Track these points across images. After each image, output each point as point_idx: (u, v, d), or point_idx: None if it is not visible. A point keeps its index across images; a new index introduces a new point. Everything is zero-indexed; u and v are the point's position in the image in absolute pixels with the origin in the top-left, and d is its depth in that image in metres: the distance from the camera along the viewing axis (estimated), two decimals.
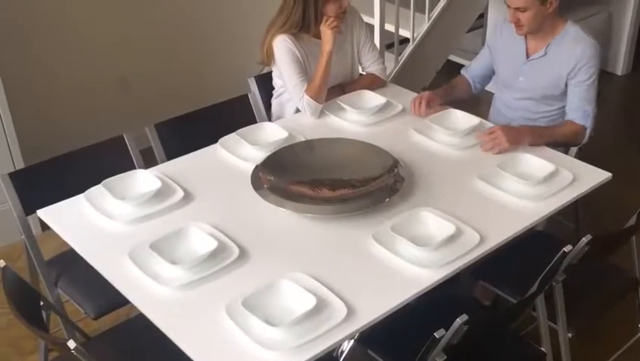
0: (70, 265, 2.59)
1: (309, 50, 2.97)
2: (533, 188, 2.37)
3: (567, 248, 2.07)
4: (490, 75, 3.11)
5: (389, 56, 4.27)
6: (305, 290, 1.93)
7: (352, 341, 2.15)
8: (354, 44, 3.13)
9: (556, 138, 2.69)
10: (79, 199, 2.42)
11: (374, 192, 2.36)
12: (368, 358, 2.23)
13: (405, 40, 4.33)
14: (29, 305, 2.15)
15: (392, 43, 4.29)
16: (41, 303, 2.22)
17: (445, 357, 1.92)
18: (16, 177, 2.57)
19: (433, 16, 4.23)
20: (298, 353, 1.80)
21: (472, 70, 3.12)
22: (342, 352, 2.19)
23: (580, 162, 2.58)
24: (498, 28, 3.01)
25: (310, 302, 1.89)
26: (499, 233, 2.20)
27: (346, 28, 3.08)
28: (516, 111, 2.94)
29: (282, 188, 2.38)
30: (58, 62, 3.97)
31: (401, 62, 4.25)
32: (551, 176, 2.42)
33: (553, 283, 2.22)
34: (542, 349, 2.27)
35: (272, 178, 2.43)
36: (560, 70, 2.78)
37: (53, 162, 2.69)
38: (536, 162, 2.48)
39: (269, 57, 3.03)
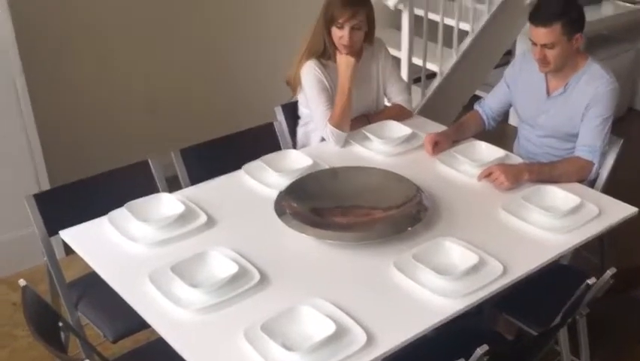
0: (92, 288, 2.59)
1: (335, 77, 2.98)
2: (558, 220, 2.35)
3: (591, 281, 2.03)
4: (506, 111, 3.08)
5: (416, 90, 4.28)
6: (324, 316, 1.91)
7: None
8: (379, 75, 3.13)
9: (557, 175, 2.62)
10: (101, 221, 2.43)
11: (397, 221, 2.34)
12: None
13: (432, 76, 4.34)
14: (48, 326, 2.14)
15: (419, 78, 4.30)
16: (60, 324, 2.21)
17: None
18: (40, 199, 2.59)
19: (461, 51, 4.24)
20: None
21: (488, 105, 3.07)
22: None
23: (606, 196, 2.55)
24: (517, 64, 2.97)
25: (329, 328, 1.87)
26: (523, 265, 2.17)
27: (372, 58, 3.09)
28: (540, 148, 2.91)
29: (305, 214, 2.37)
30: (90, 85, 4.02)
31: (428, 96, 4.25)
32: (576, 209, 2.39)
33: (577, 317, 2.19)
34: None
35: (295, 205, 2.42)
36: (578, 107, 2.74)
37: (78, 184, 2.71)
38: (561, 195, 2.46)
39: (296, 84, 3.05)
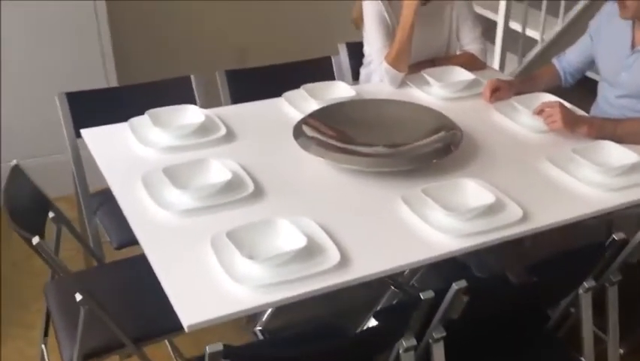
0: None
1: (399, 15, 2.75)
2: (605, 176, 2.04)
3: (617, 235, 1.72)
4: (586, 68, 2.74)
5: (512, 57, 3.96)
6: (299, 232, 1.72)
7: None
8: (452, 19, 2.87)
9: (622, 133, 2.27)
10: (123, 126, 2.35)
11: (420, 155, 2.11)
12: None
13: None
14: (34, 212, 2.06)
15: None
16: (51, 215, 2.13)
17: (444, 334, 1.65)
18: (73, 98, 2.54)
19: (569, 19, 3.89)
20: (271, 292, 1.59)
21: (567, 59, 2.75)
22: None
23: None
24: (604, 13, 2.63)
25: (300, 243, 1.68)
26: (550, 215, 1.89)
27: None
28: (617, 109, 2.55)
29: (323, 139, 2.18)
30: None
31: (525, 64, 3.93)
32: (633, 168, 2.07)
33: (606, 285, 1.87)
34: (582, 359, 1.91)
35: (315, 128, 2.24)
36: None
37: (116, 90, 2.67)
38: (618, 151, 2.14)
39: (359, 19, 2.85)
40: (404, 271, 2.69)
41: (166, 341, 2.45)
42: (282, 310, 2.69)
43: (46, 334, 2.27)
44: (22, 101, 3.34)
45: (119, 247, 2.38)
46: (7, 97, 3.31)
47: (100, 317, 1.84)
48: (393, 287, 2.43)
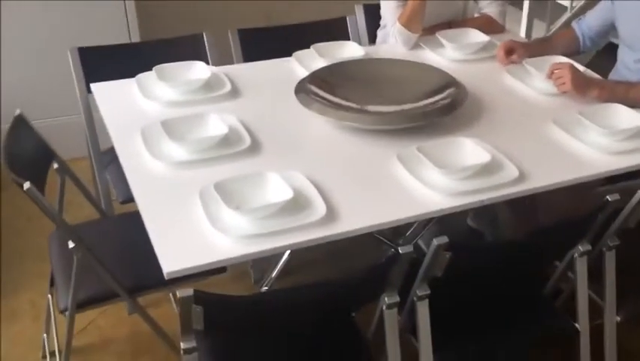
0: None
1: None
2: (610, 139, 1.98)
3: (612, 197, 1.67)
4: (607, 31, 2.63)
5: (539, 24, 3.87)
6: (287, 185, 1.71)
7: None
8: None
9: (635, 97, 2.20)
10: (131, 81, 2.36)
11: (420, 113, 2.07)
12: None
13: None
14: (36, 162, 2.08)
15: None
16: (55, 166, 2.15)
17: (428, 292, 1.63)
18: (84, 53, 2.55)
19: None
20: (253, 243, 1.59)
21: (586, 22, 2.64)
22: None
23: None
24: None
25: (286, 196, 1.67)
26: (547, 176, 1.84)
27: None
28: (636, 74, 2.46)
29: (325, 97, 2.15)
30: None
31: (552, 32, 3.84)
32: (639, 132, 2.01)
33: (603, 249, 1.82)
34: (577, 325, 1.86)
35: (318, 86, 2.21)
36: None
37: (128, 47, 2.66)
38: (627, 114, 2.07)
39: None
40: (405, 233, 2.69)
41: (172, 299, 2.48)
42: (291, 272, 2.71)
43: (52, 284, 2.31)
44: (42, 61, 3.37)
45: (124, 202, 2.39)
46: (27, 56, 3.34)
47: (93, 265, 1.86)
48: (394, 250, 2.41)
